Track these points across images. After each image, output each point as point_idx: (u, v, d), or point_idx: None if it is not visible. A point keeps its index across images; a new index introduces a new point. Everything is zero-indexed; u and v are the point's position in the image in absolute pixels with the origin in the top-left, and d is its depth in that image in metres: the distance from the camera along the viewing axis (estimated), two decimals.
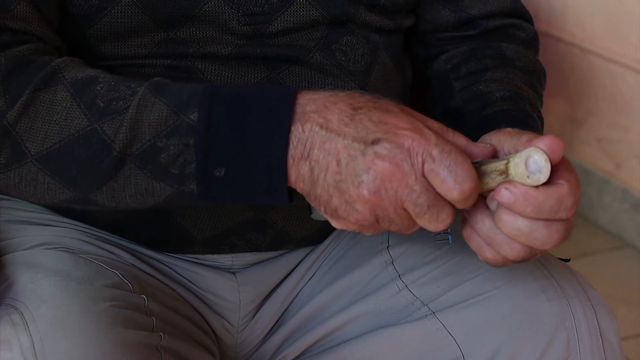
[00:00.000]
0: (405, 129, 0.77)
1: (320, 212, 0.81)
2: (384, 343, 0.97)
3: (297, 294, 1.05)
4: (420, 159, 0.76)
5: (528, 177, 0.78)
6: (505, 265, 0.84)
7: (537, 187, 0.78)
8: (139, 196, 0.83)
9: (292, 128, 0.78)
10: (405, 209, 0.78)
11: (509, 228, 0.79)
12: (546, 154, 0.78)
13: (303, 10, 0.97)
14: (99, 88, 0.82)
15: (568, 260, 1.01)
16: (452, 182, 0.76)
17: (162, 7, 0.93)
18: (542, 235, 0.79)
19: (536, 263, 0.96)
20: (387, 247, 1.03)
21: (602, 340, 0.93)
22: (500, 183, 0.79)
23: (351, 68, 1.01)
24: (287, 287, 1.05)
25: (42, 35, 0.89)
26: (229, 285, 1.03)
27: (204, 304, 1.02)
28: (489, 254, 0.83)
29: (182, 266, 1.02)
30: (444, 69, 1.11)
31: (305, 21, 0.98)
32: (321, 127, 0.77)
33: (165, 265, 1.02)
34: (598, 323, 0.93)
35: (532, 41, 1.14)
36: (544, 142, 0.77)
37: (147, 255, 1.01)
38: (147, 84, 0.82)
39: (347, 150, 0.77)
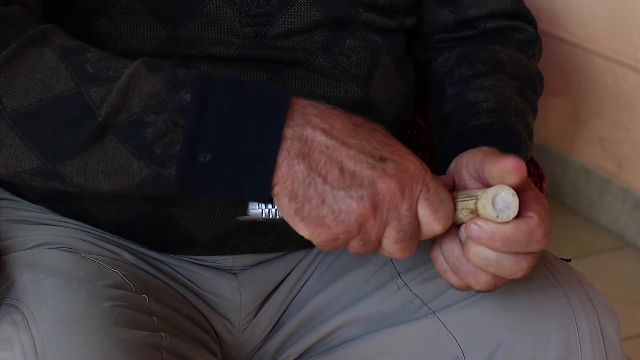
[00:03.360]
0: (409, 155, 0.77)
1: (298, 215, 0.76)
2: (384, 343, 0.97)
3: (297, 294, 1.05)
4: (419, 187, 0.77)
5: (497, 216, 0.78)
6: (468, 290, 0.85)
7: (507, 222, 0.79)
8: (112, 174, 0.77)
9: (291, 123, 0.76)
10: (382, 232, 0.78)
11: (477, 258, 0.80)
12: (512, 188, 0.78)
13: (304, 11, 0.97)
14: (89, 56, 0.78)
15: (569, 260, 1.01)
16: (440, 216, 0.77)
17: (163, 3, 0.93)
18: (510, 264, 0.80)
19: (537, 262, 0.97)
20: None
21: (603, 340, 0.93)
22: (470, 219, 0.79)
23: (354, 71, 1.01)
24: (286, 287, 1.05)
25: (26, 2, 0.86)
26: (230, 285, 1.03)
27: (205, 304, 1.02)
28: (452, 279, 0.84)
29: (183, 267, 1.02)
30: (441, 71, 1.11)
31: (306, 22, 0.98)
32: (324, 132, 0.76)
33: (166, 265, 1.02)
34: (599, 322, 0.93)
35: (529, 43, 1.13)
36: (504, 162, 0.78)
37: (148, 256, 1.01)
38: (141, 59, 0.78)
39: (352, 160, 0.76)
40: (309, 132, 0.76)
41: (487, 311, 0.94)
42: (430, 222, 0.77)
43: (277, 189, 0.76)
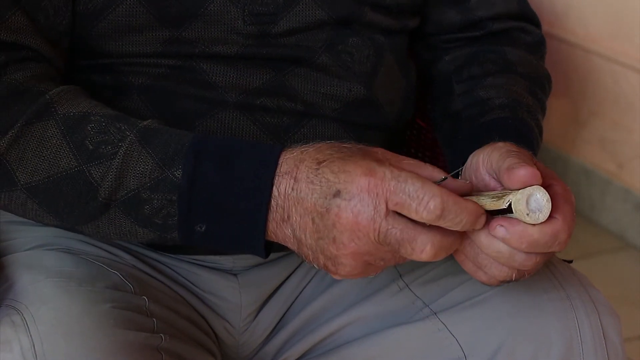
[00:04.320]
0: (359, 175, 0.78)
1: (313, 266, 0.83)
2: (385, 344, 0.97)
3: (298, 295, 1.05)
4: (382, 199, 0.78)
5: (527, 214, 0.79)
6: (500, 285, 0.87)
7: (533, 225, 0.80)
8: (123, 236, 0.86)
9: (275, 193, 0.80)
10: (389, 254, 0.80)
11: (489, 250, 0.82)
12: (548, 193, 0.79)
13: (309, 10, 0.97)
14: (89, 128, 0.84)
15: (571, 262, 1.01)
16: (417, 205, 0.77)
17: (166, 5, 0.93)
18: (522, 259, 0.82)
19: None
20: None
21: (605, 341, 0.93)
22: (496, 218, 0.80)
23: (357, 69, 1.01)
24: (288, 289, 1.05)
25: (37, 47, 0.90)
26: (230, 286, 1.02)
27: (205, 306, 1.01)
28: (483, 277, 0.85)
29: (183, 267, 1.02)
30: (447, 70, 1.10)
31: (310, 21, 0.98)
32: (292, 188, 0.80)
33: (166, 266, 1.01)
34: (601, 324, 0.93)
35: (537, 45, 1.14)
36: (519, 173, 0.80)
37: (148, 257, 1.01)
38: (137, 129, 0.84)
39: (315, 208, 0.79)
40: (282, 194, 0.80)
41: (489, 313, 0.94)
42: (417, 216, 0.78)
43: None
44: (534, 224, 0.79)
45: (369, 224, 0.78)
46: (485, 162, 0.85)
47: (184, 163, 0.81)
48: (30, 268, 0.92)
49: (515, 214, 0.79)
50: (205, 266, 1.02)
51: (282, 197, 0.80)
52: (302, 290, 1.05)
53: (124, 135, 0.83)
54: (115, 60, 0.95)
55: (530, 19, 1.15)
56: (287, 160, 0.81)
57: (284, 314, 1.04)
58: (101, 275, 0.92)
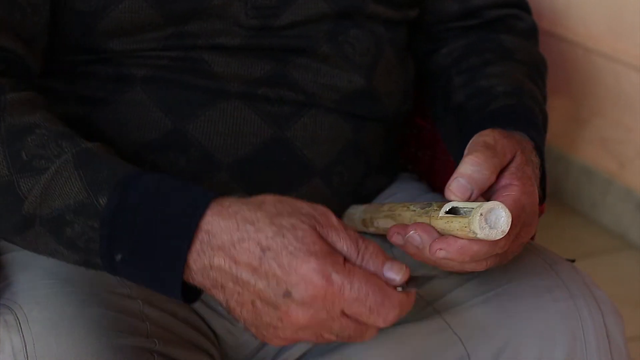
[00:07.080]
0: (314, 282, 0.74)
1: None
2: (388, 343, 0.96)
3: None
4: (338, 307, 0.75)
5: (481, 229, 0.78)
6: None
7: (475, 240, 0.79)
8: (51, 253, 0.83)
9: (195, 257, 0.76)
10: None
11: (438, 263, 0.84)
12: (508, 211, 0.79)
13: (311, 3, 0.98)
14: (29, 140, 0.82)
15: (573, 261, 1.01)
16: (376, 317, 0.75)
17: (171, 2, 0.93)
18: (471, 267, 0.85)
19: (542, 263, 0.96)
20: (391, 247, 1.02)
21: (608, 341, 0.92)
22: (434, 242, 0.81)
23: (358, 61, 1.01)
24: None
25: (9, 47, 0.89)
26: None
27: (204, 305, 1.00)
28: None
29: None
30: (445, 63, 1.11)
31: (312, 14, 0.98)
32: (230, 267, 0.75)
33: None
34: (605, 323, 0.93)
35: (531, 31, 1.15)
36: (451, 186, 0.82)
37: None
38: (76, 150, 0.81)
39: (259, 295, 0.75)
40: (216, 268, 0.76)
41: (493, 312, 0.93)
42: (372, 322, 0.76)
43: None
44: (484, 240, 0.79)
45: (320, 324, 0.75)
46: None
47: (111, 193, 0.78)
48: (27, 268, 0.92)
49: (470, 225, 0.78)
50: None
51: (215, 271, 0.75)
52: None
53: (60, 153, 0.81)
54: (117, 57, 0.95)
55: (522, 5, 1.17)
56: (223, 232, 0.76)
57: None
58: (97, 277, 0.90)
